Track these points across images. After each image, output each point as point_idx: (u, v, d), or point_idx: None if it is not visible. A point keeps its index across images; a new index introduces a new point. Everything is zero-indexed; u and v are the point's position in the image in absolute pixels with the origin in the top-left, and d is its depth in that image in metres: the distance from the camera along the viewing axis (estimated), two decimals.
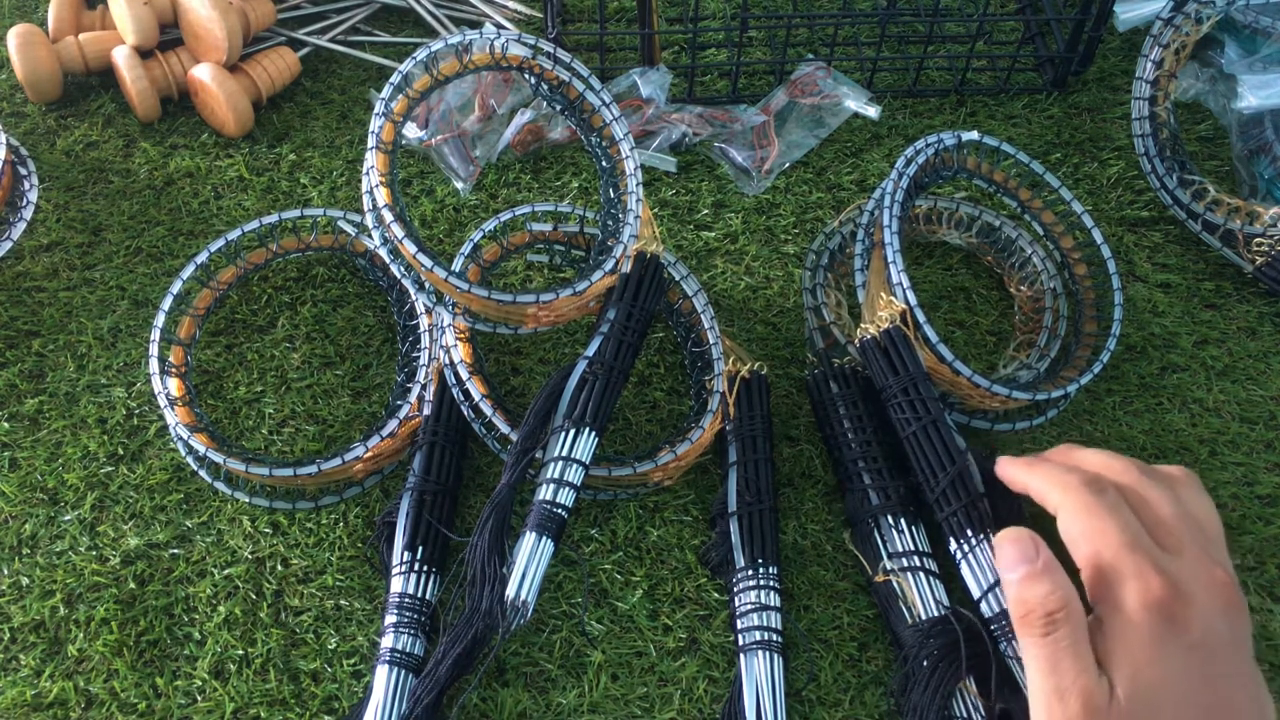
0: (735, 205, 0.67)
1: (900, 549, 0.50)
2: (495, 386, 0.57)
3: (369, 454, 0.54)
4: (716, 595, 0.52)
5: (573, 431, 0.50)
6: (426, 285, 0.54)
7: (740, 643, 0.49)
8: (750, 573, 0.50)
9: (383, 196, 0.52)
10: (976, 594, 0.47)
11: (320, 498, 0.55)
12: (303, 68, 0.74)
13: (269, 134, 0.71)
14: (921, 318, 0.52)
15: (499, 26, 0.77)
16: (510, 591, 0.46)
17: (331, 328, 0.62)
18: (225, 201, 0.68)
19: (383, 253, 0.54)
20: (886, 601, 0.50)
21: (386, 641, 0.49)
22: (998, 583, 0.46)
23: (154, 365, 0.56)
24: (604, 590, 0.52)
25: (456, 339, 0.55)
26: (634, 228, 0.55)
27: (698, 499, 0.55)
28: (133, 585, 0.53)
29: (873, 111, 0.71)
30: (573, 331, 0.62)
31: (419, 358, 0.56)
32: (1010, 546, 0.43)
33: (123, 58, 0.70)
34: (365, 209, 0.54)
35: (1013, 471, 0.47)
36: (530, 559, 0.47)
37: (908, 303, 0.52)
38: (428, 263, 0.51)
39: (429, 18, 0.77)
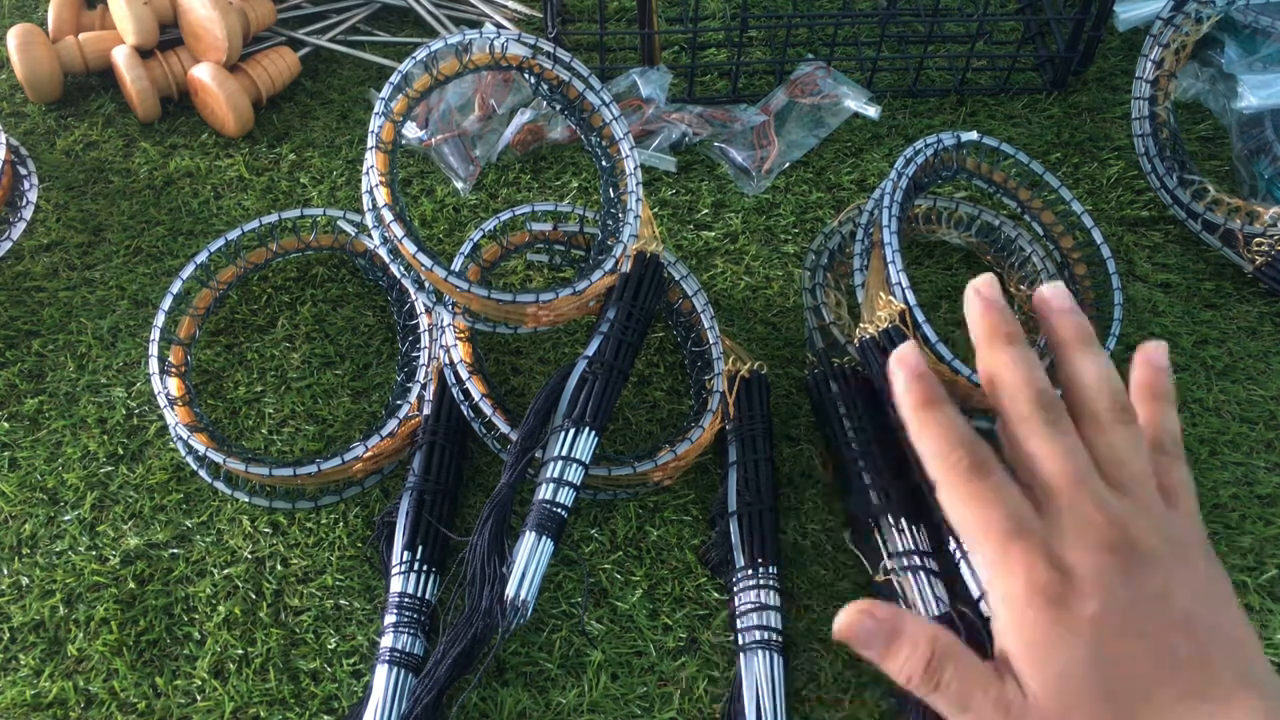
0: (735, 205, 0.67)
1: (900, 549, 0.50)
2: (495, 386, 0.57)
3: (369, 454, 0.54)
4: (716, 595, 0.52)
5: (573, 431, 0.50)
6: (426, 285, 0.54)
7: (740, 642, 0.49)
8: (750, 572, 0.50)
9: (383, 196, 0.52)
10: (976, 594, 0.47)
11: (320, 497, 0.55)
12: (303, 68, 0.74)
13: (269, 134, 0.72)
14: (920, 317, 0.52)
15: (499, 26, 0.77)
16: (510, 591, 0.46)
17: (331, 328, 0.62)
18: (225, 201, 0.68)
19: (383, 252, 0.54)
20: (885, 600, 0.50)
21: (386, 641, 0.49)
22: None
23: (154, 365, 0.56)
24: (604, 590, 0.52)
25: (456, 339, 0.55)
26: (634, 227, 0.55)
27: (698, 499, 0.55)
28: (133, 585, 0.53)
29: (873, 111, 0.71)
30: (573, 331, 0.62)
31: (419, 357, 0.56)
32: (853, 628, 0.40)
33: (123, 58, 0.70)
34: (365, 209, 0.54)
35: (903, 403, 0.42)
36: (530, 558, 0.47)
37: (907, 302, 0.52)
38: (427, 262, 0.51)
39: (429, 18, 0.77)
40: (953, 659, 0.38)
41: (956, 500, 0.40)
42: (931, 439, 0.41)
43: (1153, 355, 0.44)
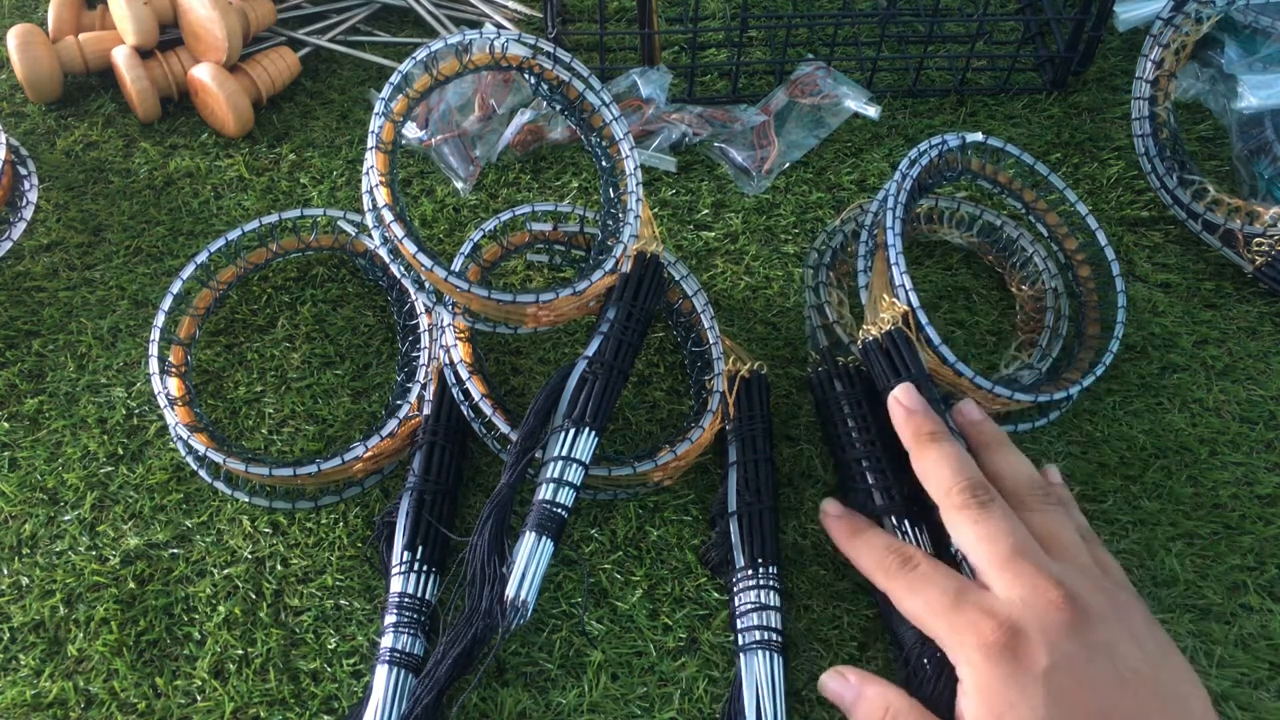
0: (735, 205, 0.67)
1: None
2: (495, 386, 0.57)
3: (369, 454, 0.54)
4: (716, 595, 0.52)
5: (573, 431, 0.50)
6: (426, 285, 0.54)
7: (740, 642, 0.49)
8: (750, 572, 0.50)
9: (383, 196, 0.52)
10: None
11: (320, 497, 0.55)
12: (303, 68, 0.74)
13: (269, 134, 0.71)
14: (923, 319, 0.52)
15: (499, 26, 0.77)
16: (510, 591, 0.46)
17: (331, 328, 0.62)
18: (225, 201, 0.68)
19: (383, 253, 0.54)
20: (887, 601, 0.50)
21: (386, 641, 0.49)
22: None
23: (154, 365, 0.56)
24: (604, 590, 0.52)
25: (456, 339, 0.55)
26: (634, 228, 0.55)
27: (698, 499, 0.55)
28: (133, 585, 0.53)
29: (873, 111, 0.71)
30: (573, 331, 0.62)
31: (419, 357, 0.56)
32: (831, 686, 0.46)
33: (123, 58, 0.70)
34: (365, 209, 0.54)
35: (836, 538, 0.50)
36: (530, 559, 0.47)
37: (910, 304, 0.52)
38: (427, 262, 0.51)
39: (429, 18, 0.77)
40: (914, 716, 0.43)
41: (900, 596, 0.45)
42: (865, 557, 0.48)
43: (1050, 471, 0.51)
